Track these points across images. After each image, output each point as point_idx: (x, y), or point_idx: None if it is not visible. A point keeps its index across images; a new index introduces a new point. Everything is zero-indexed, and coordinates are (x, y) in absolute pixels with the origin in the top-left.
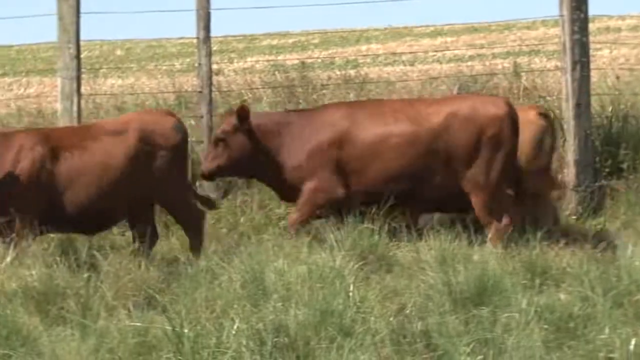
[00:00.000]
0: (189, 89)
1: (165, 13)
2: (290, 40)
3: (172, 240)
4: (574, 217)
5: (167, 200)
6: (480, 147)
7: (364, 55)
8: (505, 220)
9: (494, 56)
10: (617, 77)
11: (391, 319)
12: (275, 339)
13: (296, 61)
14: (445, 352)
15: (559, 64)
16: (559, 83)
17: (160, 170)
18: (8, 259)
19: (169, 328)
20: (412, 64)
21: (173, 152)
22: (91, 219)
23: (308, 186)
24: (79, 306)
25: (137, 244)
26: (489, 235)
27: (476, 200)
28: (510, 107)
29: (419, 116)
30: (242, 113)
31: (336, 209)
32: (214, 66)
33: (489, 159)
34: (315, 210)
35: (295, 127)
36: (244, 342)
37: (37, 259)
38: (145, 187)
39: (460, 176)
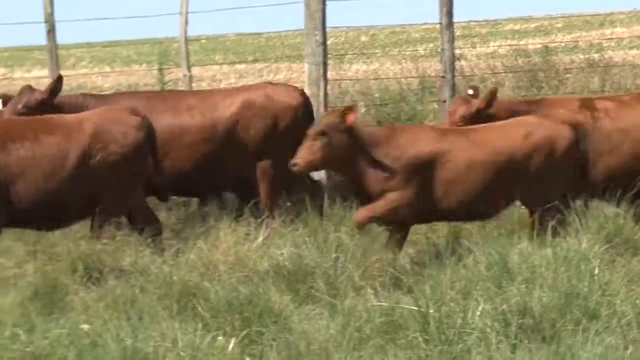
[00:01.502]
0: (432, 74)
1: None
2: (533, 25)
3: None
4: None
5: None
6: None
7: (609, 39)
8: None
9: None
10: None
11: (637, 302)
12: (520, 321)
13: (539, 46)
14: None
15: None
16: None
17: (115, 167)
18: (260, 239)
19: (414, 308)
20: None
21: (131, 150)
22: (42, 213)
23: None
24: (327, 285)
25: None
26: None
27: (263, 189)
28: (304, 95)
29: (213, 108)
30: (56, 86)
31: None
32: (457, 51)
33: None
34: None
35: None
36: (489, 322)
37: (287, 239)
38: (99, 182)
39: (254, 165)
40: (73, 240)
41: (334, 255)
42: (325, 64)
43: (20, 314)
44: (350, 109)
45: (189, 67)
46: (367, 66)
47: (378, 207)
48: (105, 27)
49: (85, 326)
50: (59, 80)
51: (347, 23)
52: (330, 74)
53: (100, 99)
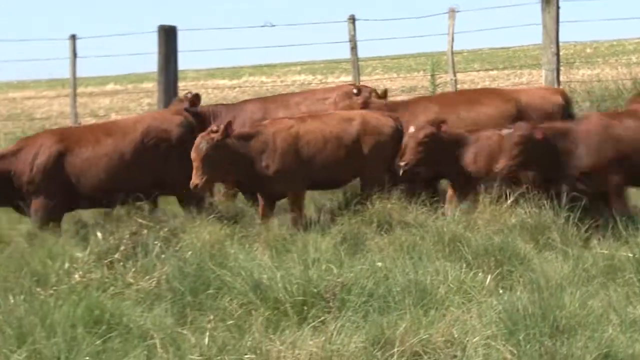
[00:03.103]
0: None
1: (628, 20)
2: None
3: None
4: None
5: (172, 184)
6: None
7: None
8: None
9: None
10: None
11: None
12: None
13: None
14: None
15: None
16: None
17: (163, 159)
18: (509, 201)
19: (630, 255)
20: None
21: (175, 145)
22: (102, 198)
23: None
24: (561, 237)
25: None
26: None
27: None
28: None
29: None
30: (194, 100)
31: None
32: None
33: None
34: None
35: (222, 119)
36: None
37: (529, 201)
38: (150, 172)
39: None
40: (370, 200)
41: (565, 214)
42: (558, 70)
43: (333, 254)
44: (228, 124)
45: (454, 73)
46: (591, 71)
47: None
48: (442, 42)
49: (380, 264)
50: (196, 96)
51: (576, 38)
52: (562, 78)
53: (230, 106)
